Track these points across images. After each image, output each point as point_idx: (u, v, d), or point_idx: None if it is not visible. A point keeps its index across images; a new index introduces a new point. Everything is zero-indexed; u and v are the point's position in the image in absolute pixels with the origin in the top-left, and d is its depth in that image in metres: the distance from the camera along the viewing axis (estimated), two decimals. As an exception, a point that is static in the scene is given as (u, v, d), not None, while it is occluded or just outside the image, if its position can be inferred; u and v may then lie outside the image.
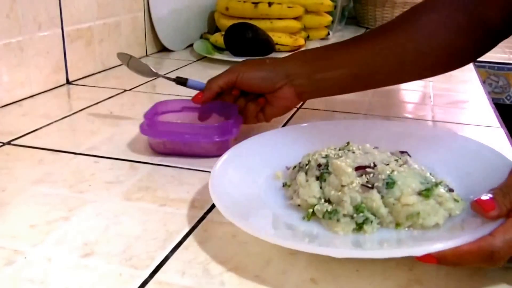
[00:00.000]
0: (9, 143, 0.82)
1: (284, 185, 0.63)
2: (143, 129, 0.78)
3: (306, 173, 0.60)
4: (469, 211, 0.55)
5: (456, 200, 0.56)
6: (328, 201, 0.57)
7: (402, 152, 0.64)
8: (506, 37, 0.82)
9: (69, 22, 1.13)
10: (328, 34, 1.78)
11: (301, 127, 0.79)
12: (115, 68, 1.31)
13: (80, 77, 1.20)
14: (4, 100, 0.99)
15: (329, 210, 0.55)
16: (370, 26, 2.08)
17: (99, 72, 1.27)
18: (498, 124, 0.96)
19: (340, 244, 0.53)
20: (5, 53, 0.98)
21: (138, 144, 0.81)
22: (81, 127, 0.90)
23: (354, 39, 0.84)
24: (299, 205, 0.58)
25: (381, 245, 0.53)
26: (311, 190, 0.58)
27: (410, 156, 0.64)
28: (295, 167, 0.65)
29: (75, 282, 0.49)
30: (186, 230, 0.58)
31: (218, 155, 0.78)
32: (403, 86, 1.19)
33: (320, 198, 0.57)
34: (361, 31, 2.00)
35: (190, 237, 0.57)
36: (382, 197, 0.55)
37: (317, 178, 0.59)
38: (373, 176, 0.57)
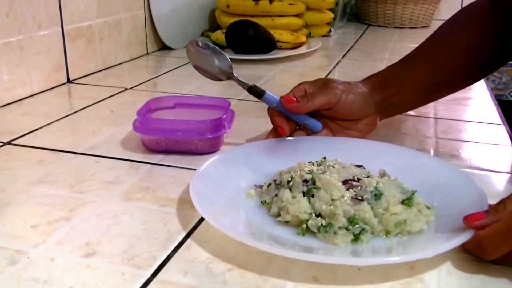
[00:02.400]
0: (9, 143, 0.82)
1: (264, 203, 0.63)
2: (136, 126, 0.78)
3: (290, 190, 0.61)
4: (438, 218, 0.60)
5: (428, 207, 0.60)
6: (319, 215, 0.58)
7: (358, 166, 0.67)
8: None
9: (69, 20, 1.13)
10: (330, 31, 1.77)
11: (262, 143, 0.77)
12: (115, 67, 1.31)
13: (81, 75, 1.20)
14: (5, 99, 0.99)
15: (323, 224, 0.56)
16: (372, 22, 2.08)
17: (100, 70, 1.27)
18: (500, 121, 0.96)
19: (352, 254, 0.55)
20: (5, 52, 0.98)
21: (139, 144, 0.81)
22: (82, 127, 0.90)
23: (412, 59, 0.86)
24: (286, 221, 0.59)
25: (388, 251, 0.56)
26: (301, 206, 0.58)
27: (365, 168, 0.67)
28: (269, 184, 0.65)
29: (79, 281, 0.49)
30: (187, 230, 0.58)
31: (211, 151, 0.78)
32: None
33: (310, 213, 0.58)
34: (363, 28, 2.00)
35: (192, 237, 0.57)
36: (372, 208, 0.57)
37: (304, 194, 0.60)
38: (360, 189, 0.59)
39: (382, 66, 1.34)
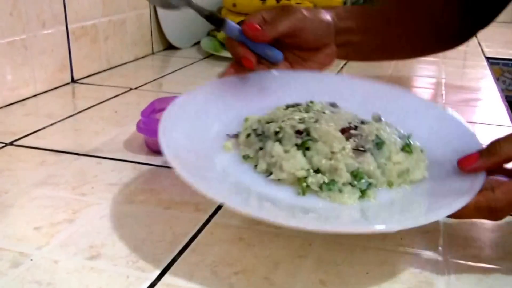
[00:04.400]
0: (11, 143, 0.81)
1: (247, 157, 0.57)
2: (140, 127, 0.77)
3: (280, 142, 0.55)
4: (432, 162, 0.56)
5: (421, 150, 0.57)
6: (317, 171, 0.53)
7: (331, 105, 0.62)
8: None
9: (73, 19, 1.13)
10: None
11: (224, 82, 0.68)
12: (120, 66, 1.31)
13: (85, 75, 1.20)
14: (8, 99, 0.99)
15: (326, 181, 0.52)
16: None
17: (105, 70, 1.26)
18: (510, 123, 0.95)
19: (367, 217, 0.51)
20: (9, 51, 0.97)
21: (142, 145, 0.80)
22: (85, 127, 0.90)
23: (380, 8, 0.84)
24: (278, 179, 0.54)
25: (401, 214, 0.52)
26: (297, 162, 0.52)
27: (338, 106, 0.62)
28: (248, 135, 0.59)
29: (82, 284, 0.49)
30: (192, 233, 0.57)
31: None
32: (415, 83, 1.18)
33: (308, 170, 0.53)
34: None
35: (197, 240, 0.56)
36: (374, 158, 0.53)
37: (297, 147, 0.54)
38: (361, 138, 0.54)
39: (390, 65, 1.34)
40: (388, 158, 0.53)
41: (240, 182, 0.54)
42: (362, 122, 0.57)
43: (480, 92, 1.12)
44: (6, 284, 0.48)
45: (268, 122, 0.59)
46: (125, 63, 1.34)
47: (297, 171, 0.52)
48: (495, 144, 0.52)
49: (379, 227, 0.46)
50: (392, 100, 0.66)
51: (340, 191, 0.51)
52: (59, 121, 0.92)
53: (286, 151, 0.54)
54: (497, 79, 1.31)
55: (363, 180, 0.52)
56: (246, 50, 0.70)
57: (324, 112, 0.58)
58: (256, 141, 0.57)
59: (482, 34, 1.89)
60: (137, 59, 1.40)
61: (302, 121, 0.56)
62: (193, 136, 0.58)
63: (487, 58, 1.48)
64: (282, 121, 0.57)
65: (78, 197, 0.65)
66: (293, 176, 0.53)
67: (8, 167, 0.73)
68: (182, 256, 0.53)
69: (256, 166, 0.56)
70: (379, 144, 0.53)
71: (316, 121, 0.56)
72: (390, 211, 0.51)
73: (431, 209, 0.51)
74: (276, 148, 0.54)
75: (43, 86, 1.07)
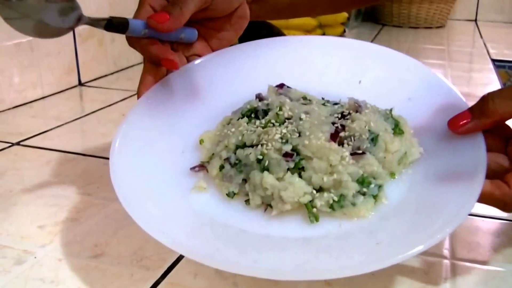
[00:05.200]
0: (18, 143, 0.81)
1: (232, 195, 0.51)
2: None
3: (267, 170, 0.49)
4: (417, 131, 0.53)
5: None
6: (320, 189, 0.48)
7: (279, 86, 0.59)
8: None
9: (80, 22, 1.13)
10: (344, 31, 1.76)
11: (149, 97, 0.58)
12: (127, 69, 1.31)
13: (92, 78, 1.20)
14: (15, 101, 0.99)
15: (335, 199, 0.47)
16: (387, 22, 2.06)
17: (112, 73, 1.26)
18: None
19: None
20: (15, 53, 0.97)
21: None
22: (92, 130, 0.90)
23: None
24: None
25: None
26: (297, 188, 0.47)
27: (289, 87, 0.59)
28: (222, 167, 0.52)
29: (87, 282, 0.49)
30: (198, 231, 0.57)
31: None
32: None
33: (312, 192, 0.48)
34: (378, 28, 1.99)
35: (202, 238, 0.56)
36: (373, 156, 0.50)
37: (290, 171, 0.49)
38: (353, 139, 0.50)
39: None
40: (386, 150, 0.50)
41: (236, 230, 0.48)
42: (343, 116, 0.52)
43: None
44: (10, 281, 0.48)
45: (239, 147, 0.52)
46: (132, 66, 1.34)
47: (301, 198, 0.48)
48: (488, 101, 0.47)
49: (418, 248, 0.43)
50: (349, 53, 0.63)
51: (354, 204, 0.47)
52: (66, 123, 0.92)
53: (279, 179, 0.48)
54: (503, 84, 1.30)
55: (372, 185, 0.48)
56: (162, 48, 0.59)
57: (301, 118, 0.52)
58: (235, 173, 0.51)
59: (488, 35, 1.87)
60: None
61: (284, 139, 0.50)
62: (152, 180, 0.51)
63: (493, 61, 1.47)
64: (261, 144, 0.50)
65: (83, 197, 0.65)
66: (297, 204, 0.48)
67: (14, 166, 0.73)
68: (187, 254, 0.53)
69: (246, 201, 0.50)
70: (374, 139, 0.50)
71: (300, 133, 0.51)
72: (411, 221, 0.47)
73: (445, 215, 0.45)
74: (268, 179, 0.48)
75: (51, 89, 1.07)
